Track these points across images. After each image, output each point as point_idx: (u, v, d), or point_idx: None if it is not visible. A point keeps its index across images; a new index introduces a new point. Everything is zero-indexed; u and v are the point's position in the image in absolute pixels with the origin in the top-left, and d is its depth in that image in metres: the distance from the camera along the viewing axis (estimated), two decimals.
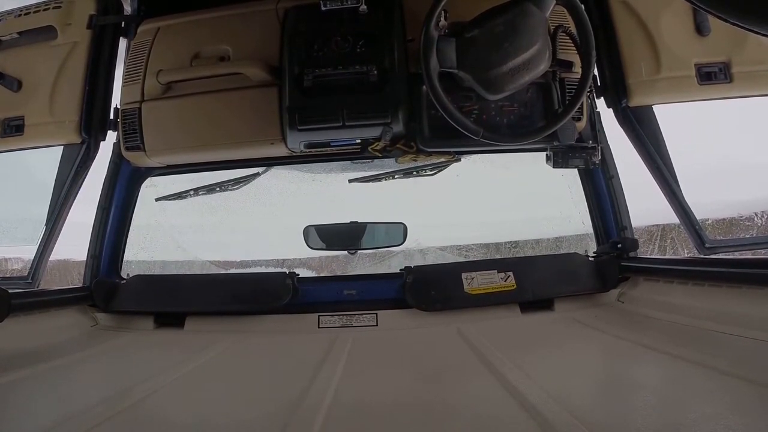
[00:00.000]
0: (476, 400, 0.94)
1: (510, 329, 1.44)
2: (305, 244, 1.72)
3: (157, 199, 1.92)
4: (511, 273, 1.55)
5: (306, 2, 1.56)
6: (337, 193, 2.29)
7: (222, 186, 1.89)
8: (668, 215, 1.60)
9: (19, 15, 1.74)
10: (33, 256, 1.71)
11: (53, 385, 1.10)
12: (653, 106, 1.58)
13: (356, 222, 1.71)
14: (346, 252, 1.88)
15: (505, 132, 1.49)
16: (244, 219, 2.75)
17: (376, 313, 1.54)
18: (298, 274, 1.62)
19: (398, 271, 1.61)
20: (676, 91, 1.53)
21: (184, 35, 1.67)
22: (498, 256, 3.14)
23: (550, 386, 0.91)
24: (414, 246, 2.85)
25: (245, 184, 1.90)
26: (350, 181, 1.96)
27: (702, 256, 1.55)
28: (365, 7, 1.43)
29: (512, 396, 0.90)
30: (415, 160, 1.69)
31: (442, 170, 1.77)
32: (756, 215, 4.03)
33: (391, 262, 2.73)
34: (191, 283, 1.70)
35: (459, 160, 1.72)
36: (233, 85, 1.57)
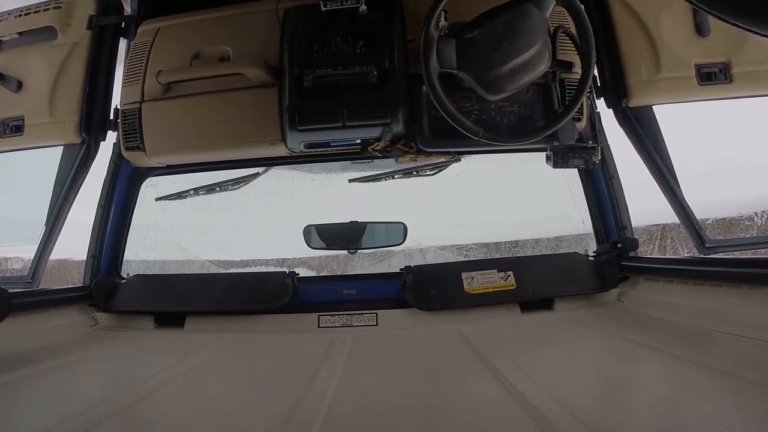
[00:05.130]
0: (476, 400, 0.94)
1: (510, 329, 1.44)
2: (305, 243, 1.72)
3: (157, 199, 1.92)
4: (511, 272, 1.55)
5: (306, 2, 1.56)
6: (337, 193, 2.29)
7: (222, 186, 1.89)
8: (668, 215, 1.60)
9: (19, 15, 1.74)
10: (33, 255, 1.71)
11: (53, 385, 1.10)
12: (653, 107, 1.58)
13: (356, 222, 1.71)
14: (346, 251, 1.88)
15: (505, 132, 1.49)
16: (244, 219, 2.75)
17: (376, 313, 1.54)
18: (298, 274, 1.62)
19: (398, 270, 1.61)
20: (676, 92, 1.53)
21: (184, 36, 1.67)
22: (498, 256, 3.15)
23: (550, 386, 0.92)
24: (414, 245, 2.85)
25: (245, 184, 1.90)
26: (350, 181, 1.96)
27: (702, 256, 1.55)
28: (365, 7, 1.43)
29: (512, 396, 0.90)
30: (415, 160, 1.69)
31: (442, 170, 1.77)
32: (756, 215, 4.03)
33: (391, 261, 2.73)
34: (191, 283, 1.70)
35: (459, 160, 1.72)
36: (233, 85, 1.57)
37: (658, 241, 4.18)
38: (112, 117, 1.74)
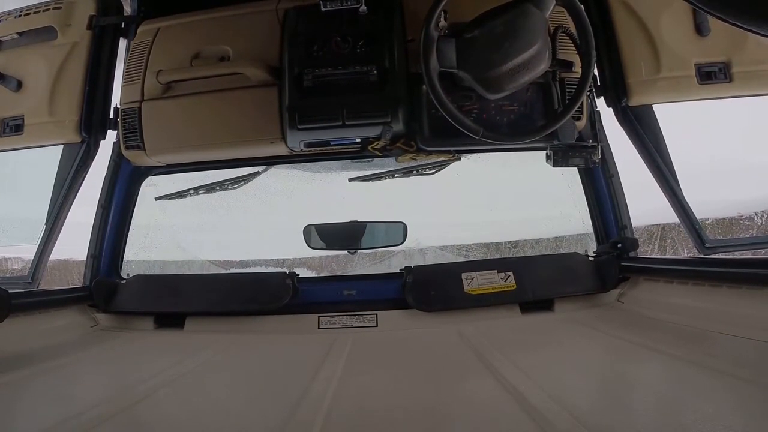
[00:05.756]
0: (476, 401, 0.94)
1: (510, 330, 1.44)
2: (305, 243, 1.72)
3: (157, 198, 1.92)
4: (511, 273, 1.55)
5: (306, 2, 1.56)
6: (336, 192, 2.28)
7: (222, 185, 1.89)
8: (668, 214, 1.60)
9: (20, 15, 1.74)
10: (33, 256, 1.71)
11: (53, 385, 1.10)
12: (653, 106, 1.58)
13: (356, 221, 1.71)
14: (346, 252, 1.88)
15: (505, 131, 1.49)
16: (244, 218, 2.74)
17: (376, 314, 1.54)
18: (298, 274, 1.62)
19: (398, 271, 1.61)
20: (676, 91, 1.53)
21: (184, 35, 1.67)
22: (498, 256, 3.14)
23: (550, 387, 0.91)
24: (414, 245, 2.84)
25: (245, 183, 1.90)
26: (350, 180, 1.96)
27: (702, 256, 1.54)
28: (365, 7, 1.43)
29: (512, 397, 0.90)
30: (415, 159, 1.69)
31: (442, 169, 1.77)
32: (756, 215, 4.03)
33: (391, 261, 2.73)
34: (191, 283, 1.70)
35: (459, 159, 1.72)
36: (233, 84, 1.57)
37: (658, 241, 4.18)
38: (112, 116, 1.74)
